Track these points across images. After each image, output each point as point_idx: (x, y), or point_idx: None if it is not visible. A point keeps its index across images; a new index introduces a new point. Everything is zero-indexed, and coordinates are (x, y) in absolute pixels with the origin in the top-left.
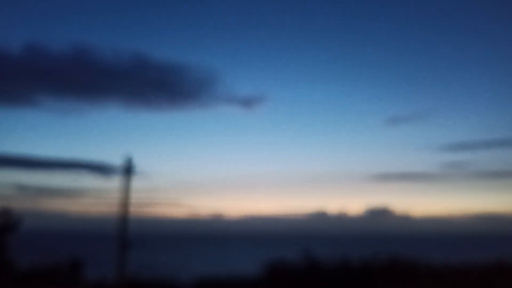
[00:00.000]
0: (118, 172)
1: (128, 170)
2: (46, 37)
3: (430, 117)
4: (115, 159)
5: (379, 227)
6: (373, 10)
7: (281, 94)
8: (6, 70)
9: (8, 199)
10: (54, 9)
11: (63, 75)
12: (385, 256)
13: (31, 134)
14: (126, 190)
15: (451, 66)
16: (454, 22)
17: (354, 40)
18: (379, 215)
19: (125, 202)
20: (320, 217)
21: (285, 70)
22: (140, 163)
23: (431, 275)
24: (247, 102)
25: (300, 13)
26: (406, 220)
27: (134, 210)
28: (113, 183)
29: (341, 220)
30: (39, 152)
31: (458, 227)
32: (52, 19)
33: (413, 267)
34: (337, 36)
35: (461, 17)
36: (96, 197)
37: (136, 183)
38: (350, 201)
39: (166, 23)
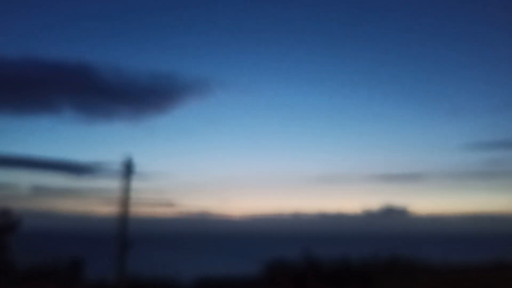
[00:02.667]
0: (118, 173)
1: (128, 170)
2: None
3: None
4: (116, 160)
5: (395, 226)
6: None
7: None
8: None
9: (9, 199)
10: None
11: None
12: (385, 256)
13: (38, 138)
14: (126, 191)
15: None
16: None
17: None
18: (394, 214)
19: (125, 203)
20: (338, 218)
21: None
22: (140, 164)
23: (431, 275)
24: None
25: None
26: (424, 219)
27: (134, 210)
28: (113, 184)
29: (355, 220)
30: (46, 155)
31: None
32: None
33: (412, 267)
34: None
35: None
36: (95, 198)
37: (136, 183)
38: (367, 201)
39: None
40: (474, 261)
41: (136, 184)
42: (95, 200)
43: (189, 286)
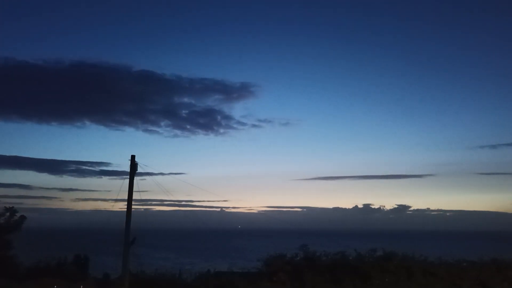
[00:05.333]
0: (123, 171)
1: (132, 169)
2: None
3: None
4: (121, 160)
5: (399, 223)
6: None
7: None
8: None
9: (15, 197)
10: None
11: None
12: (382, 252)
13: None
14: (130, 188)
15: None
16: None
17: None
18: (400, 212)
19: (129, 200)
20: (342, 214)
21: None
22: (143, 162)
23: (426, 272)
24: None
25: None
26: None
27: (138, 207)
28: (117, 182)
29: (359, 216)
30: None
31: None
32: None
33: (408, 264)
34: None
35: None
36: (100, 195)
37: (140, 181)
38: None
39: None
40: (471, 258)
41: (144, 182)
42: (98, 197)
43: (191, 282)
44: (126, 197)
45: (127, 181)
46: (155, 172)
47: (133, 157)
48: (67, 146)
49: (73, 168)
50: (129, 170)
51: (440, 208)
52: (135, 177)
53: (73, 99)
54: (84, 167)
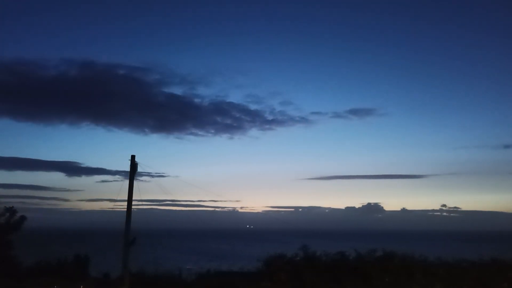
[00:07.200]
0: (122, 172)
1: (132, 170)
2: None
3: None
4: (122, 161)
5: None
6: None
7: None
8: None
9: (15, 197)
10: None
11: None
12: (382, 252)
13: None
14: (130, 188)
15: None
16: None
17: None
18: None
19: (129, 200)
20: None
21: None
22: (144, 162)
23: (427, 272)
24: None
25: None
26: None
27: (137, 207)
28: (117, 182)
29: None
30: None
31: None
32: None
33: (408, 264)
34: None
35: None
36: (100, 195)
37: (140, 181)
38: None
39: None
40: (471, 258)
41: (140, 181)
42: (97, 197)
43: (191, 281)
44: (143, 197)
45: (142, 182)
46: (154, 173)
47: (133, 157)
48: (80, 147)
49: (85, 168)
50: (143, 171)
51: (455, 207)
52: (136, 177)
53: (88, 101)
54: (96, 166)
